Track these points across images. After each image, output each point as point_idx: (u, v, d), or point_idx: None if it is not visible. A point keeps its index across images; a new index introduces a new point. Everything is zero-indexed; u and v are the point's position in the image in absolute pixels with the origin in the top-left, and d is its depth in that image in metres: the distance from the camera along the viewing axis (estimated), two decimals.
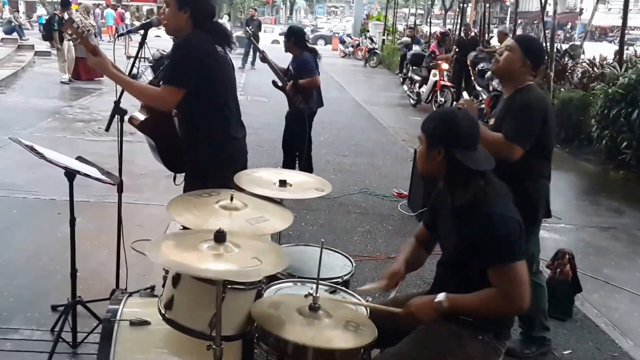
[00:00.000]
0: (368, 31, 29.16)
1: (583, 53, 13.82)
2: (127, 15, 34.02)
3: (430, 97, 13.41)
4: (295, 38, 6.71)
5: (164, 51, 14.77)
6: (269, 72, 6.80)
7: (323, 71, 7.87)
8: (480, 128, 3.26)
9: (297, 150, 6.94)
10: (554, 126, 3.52)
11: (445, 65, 13.45)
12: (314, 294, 2.27)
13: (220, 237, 2.09)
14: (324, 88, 7.14)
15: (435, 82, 13.15)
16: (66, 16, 13.85)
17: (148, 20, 3.67)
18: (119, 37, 3.75)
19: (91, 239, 4.92)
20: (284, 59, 6.93)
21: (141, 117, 3.50)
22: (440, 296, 2.39)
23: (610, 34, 45.29)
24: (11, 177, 6.67)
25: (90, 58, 3.28)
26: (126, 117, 3.53)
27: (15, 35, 23.40)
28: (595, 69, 11.32)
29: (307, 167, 6.67)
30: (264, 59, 6.62)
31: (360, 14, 35.34)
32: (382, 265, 4.98)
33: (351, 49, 29.16)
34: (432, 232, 2.77)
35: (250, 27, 12.80)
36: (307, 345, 2.11)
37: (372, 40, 25.96)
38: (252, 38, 9.26)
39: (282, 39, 7.16)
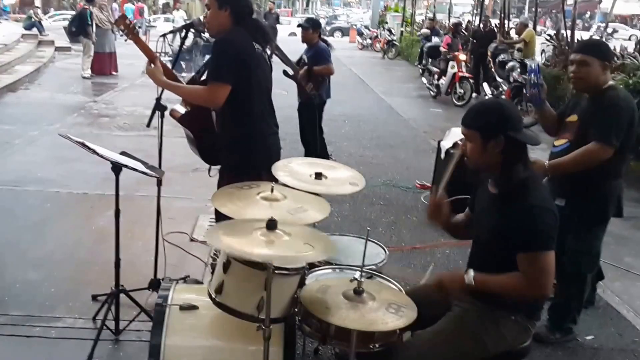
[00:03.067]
0: (386, 23, 29.06)
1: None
2: (145, 9, 34.24)
3: (449, 89, 13.42)
4: (316, 28, 7.02)
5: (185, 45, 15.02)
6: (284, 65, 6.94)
7: (341, 63, 7.99)
8: (554, 163, 3.53)
9: (312, 140, 7.12)
10: (637, 125, 3.58)
11: (462, 56, 13.43)
12: (358, 279, 2.42)
13: (272, 225, 2.24)
14: (343, 80, 7.30)
15: (454, 74, 13.16)
16: (94, 10, 14.03)
17: (190, 21, 3.82)
18: (162, 37, 3.90)
19: (124, 231, 5.02)
20: (296, 53, 7.08)
21: (182, 110, 3.65)
22: (469, 274, 2.54)
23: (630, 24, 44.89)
24: (43, 171, 6.83)
25: (148, 68, 3.47)
26: (167, 112, 3.69)
27: (35, 31, 23.64)
28: (616, 59, 11.29)
29: (323, 157, 6.84)
30: (276, 47, 6.77)
31: (378, 6, 35.24)
32: (408, 255, 5.11)
33: (369, 41, 29.08)
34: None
35: (266, 20, 12.91)
36: (349, 328, 2.25)
37: (390, 32, 25.81)
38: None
39: (299, 30, 7.31)
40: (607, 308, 4.46)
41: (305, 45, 7.19)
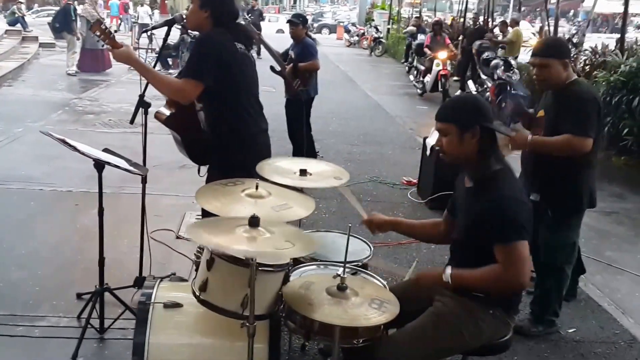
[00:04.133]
0: (373, 20, 29.13)
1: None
2: (131, 5, 33.96)
3: (434, 87, 13.45)
4: (305, 24, 7.06)
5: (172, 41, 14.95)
6: (271, 60, 6.94)
7: (329, 60, 8.01)
8: (539, 139, 3.56)
9: (299, 137, 7.14)
10: (602, 116, 3.73)
11: (443, 54, 13.40)
12: (341, 275, 2.44)
13: (254, 221, 2.24)
14: (330, 77, 7.32)
15: (438, 71, 13.21)
16: (78, 6, 13.93)
17: (172, 17, 3.80)
18: (144, 33, 3.89)
19: (110, 229, 5.02)
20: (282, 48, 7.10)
21: (167, 112, 3.63)
22: (446, 271, 2.58)
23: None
24: (27, 169, 6.78)
25: (115, 52, 3.40)
26: (150, 110, 3.68)
27: (18, 27, 23.44)
28: (598, 57, 11.40)
29: (310, 153, 6.87)
30: (260, 40, 6.81)
31: (365, 3, 35.28)
32: (394, 251, 5.13)
33: (356, 38, 29.14)
34: (453, 217, 2.93)
35: (250, 15, 12.85)
36: (333, 324, 2.27)
37: (377, 29, 25.96)
38: (252, 25, 9.24)
39: (287, 26, 7.34)
40: (588, 301, 4.52)
41: (291, 41, 7.21)
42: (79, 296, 4.00)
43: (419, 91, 14.34)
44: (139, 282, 3.96)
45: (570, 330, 4.08)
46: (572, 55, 12.49)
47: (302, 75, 6.92)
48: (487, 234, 2.50)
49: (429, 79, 13.68)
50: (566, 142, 3.50)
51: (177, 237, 5.13)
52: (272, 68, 6.97)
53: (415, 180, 7.07)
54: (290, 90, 7.01)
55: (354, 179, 7.15)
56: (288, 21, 7.42)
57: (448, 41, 14.25)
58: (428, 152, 6.48)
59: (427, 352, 2.58)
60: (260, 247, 2.19)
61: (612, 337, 4.07)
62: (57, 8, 20.76)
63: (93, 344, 3.54)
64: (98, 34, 3.43)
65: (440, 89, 13.14)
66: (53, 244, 4.93)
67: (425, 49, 14.26)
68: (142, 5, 25.39)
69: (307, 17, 8.26)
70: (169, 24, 3.68)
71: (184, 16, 3.70)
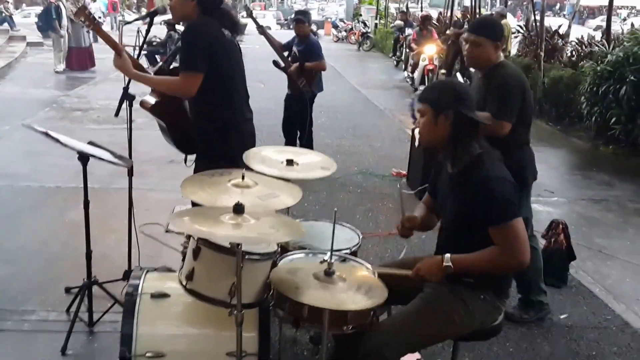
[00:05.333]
0: (361, 15, 29.12)
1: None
2: (117, 3, 33.79)
3: (422, 81, 13.28)
4: (310, 21, 7.03)
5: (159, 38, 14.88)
6: (266, 56, 6.90)
7: None
8: None
9: (297, 133, 7.09)
10: (531, 95, 3.75)
11: (429, 49, 13.19)
12: (328, 261, 2.42)
13: (239, 209, 2.22)
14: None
15: (425, 66, 13.17)
16: (61, 5, 13.88)
17: (154, 9, 3.77)
18: (126, 24, 3.86)
19: (99, 223, 4.98)
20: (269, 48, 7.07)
21: (152, 100, 3.60)
22: (447, 258, 2.55)
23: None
24: (14, 166, 6.77)
25: (116, 60, 3.41)
26: (136, 101, 3.65)
27: (6, 26, 23.29)
28: (584, 47, 11.44)
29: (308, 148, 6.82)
30: (263, 33, 6.75)
31: None
32: (385, 241, 5.13)
33: (344, 34, 29.16)
34: (435, 200, 2.94)
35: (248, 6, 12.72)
36: (322, 308, 2.25)
37: (365, 25, 25.99)
38: (252, 15, 8.61)
39: (272, 22, 7.31)
40: (579, 287, 4.54)
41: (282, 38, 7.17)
42: (68, 290, 3.98)
43: (413, 87, 14.10)
44: (128, 275, 3.93)
45: (562, 317, 4.09)
46: (558, 46, 12.63)
47: (307, 74, 6.84)
48: (480, 218, 2.49)
49: (417, 74, 13.60)
50: (486, 121, 3.45)
51: (167, 231, 5.10)
52: (275, 63, 6.91)
53: (404, 172, 7.08)
54: (294, 87, 6.94)
55: (344, 170, 7.14)
56: (294, 19, 7.34)
57: (435, 36, 14.07)
58: (417, 143, 6.48)
59: (417, 339, 2.57)
60: (245, 233, 2.18)
61: (603, 323, 4.08)
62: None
63: (83, 337, 3.52)
64: (83, 19, 3.42)
65: (426, 84, 12.95)
66: (41, 239, 4.91)
67: (412, 44, 14.15)
68: (94, 0, 25.15)
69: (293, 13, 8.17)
70: (151, 15, 3.65)
71: (167, 7, 3.66)
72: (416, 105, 2.68)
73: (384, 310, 2.87)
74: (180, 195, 5.68)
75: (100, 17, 20.59)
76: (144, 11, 22.77)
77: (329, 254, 2.46)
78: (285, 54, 7.00)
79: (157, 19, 3.94)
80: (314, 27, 35.63)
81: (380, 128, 10.04)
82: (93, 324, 3.60)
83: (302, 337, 3.56)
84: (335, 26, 31.24)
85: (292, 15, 7.49)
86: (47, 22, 14.31)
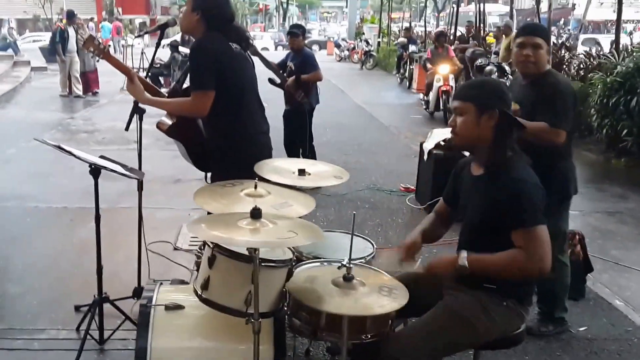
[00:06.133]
0: (363, 34, 29.25)
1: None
2: (121, 28, 34.07)
3: (436, 105, 12.37)
4: (304, 35, 7.05)
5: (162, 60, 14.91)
6: (261, 76, 6.85)
7: None
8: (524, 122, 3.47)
9: (299, 147, 7.06)
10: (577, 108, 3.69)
11: (444, 68, 12.15)
12: (347, 265, 2.36)
13: (256, 214, 2.18)
14: (323, 91, 7.28)
15: (439, 87, 12.16)
16: (69, 29, 13.82)
17: (165, 21, 3.76)
18: (139, 37, 3.85)
19: (107, 242, 4.91)
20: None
21: (169, 121, 3.57)
22: (462, 257, 2.49)
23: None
24: (22, 188, 6.79)
25: (129, 85, 3.40)
26: (144, 118, 3.63)
27: (10, 51, 23.47)
28: (592, 60, 11.41)
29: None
30: (255, 52, 6.70)
31: (355, 18, 35.51)
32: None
33: (347, 53, 29.24)
34: (451, 207, 2.88)
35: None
36: (341, 315, 2.20)
37: (367, 43, 26.00)
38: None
39: (269, 44, 7.35)
40: (597, 300, 4.44)
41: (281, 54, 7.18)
42: (77, 308, 3.93)
43: (427, 112, 12.97)
44: (138, 292, 3.87)
45: (581, 329, 3.99)
46: (565, 59, 12.62)
47: (304, 87, 6.82)
48: (505, 219, 2.43)
49: (432, 96, 12.46)
50: (542, 130, 3.41)
51: (175, 249, 5.08)
52: (270, 80, 6.87)
53: (413, 187, 7.00)
54: (292, 102, 6.90)
55: (351, 187, 7.09)
56: (288, 32, 7.37)
57: (452, 53, 12.87)
58: (425, 157, 6.43)
59: (438, 347, 2.49)
60: (264, 238, 2.13)
61: (624, 335, 3.99)
62: (48, 33, 20.77)
63: (93, 355, 3.47)
64: (92, 49, 3.41)
65: (441, 107, 12.12)
66: (49, 258, 4.88)
67: (427, 63, 12.81)
68: (131, 31, 25.37)
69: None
70: (162, 27, 3.64)
71: (177, 20, 3.65)
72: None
73: (400, 322, 2.79)
74: (187, 213, 5.75)
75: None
76: (146, 37, 22.88)
77: (347, 258, 2.39)
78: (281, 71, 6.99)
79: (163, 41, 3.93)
80: (316, 47, 35.90)
81: (386, 144, 10.00)
82: (104, 341, 3.55)
83: (315, 352, 3.50)
84: (338, 45, 31.35)
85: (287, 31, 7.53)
86: (52, 47, 14.34)
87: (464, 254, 2.50)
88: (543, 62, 3.53)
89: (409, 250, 2.80)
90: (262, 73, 6.93)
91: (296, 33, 7.03)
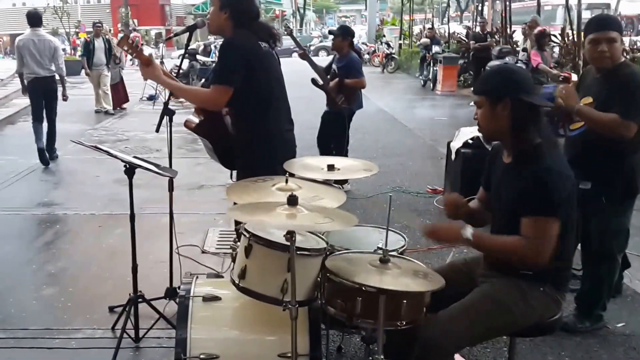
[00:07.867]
0: (384, 36, 28.93)
1: None
2: (140, 39, 34.42)
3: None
4: (346, 36, 6.90)
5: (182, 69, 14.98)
6: (307, 69, 6.85)
7: None
8: (588, 109, 3.40)
9: (333, 150, 7.01)
10: None
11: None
12: (383, 248, 2.40)
13: (293, 200, 2.22)
14: None
15: None
16: (96, 41, 13.35)
17: (194, 22, 3.81)
18: (167, 40, 3.91)
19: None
20: (292, 73, 6.99)
21: (196, 120, 3.61)
22: (468, 230, 2.50)
23: None
24: (49, 196, 6.95)
25: (144, 69, 3.44)
26: (174, 117, 3.67)
27: None
28: (625, 54, 11.21)
29: None
30: (304, 55, 6.73)
31: (374, 21, 35.32)
32: (424, 256, 5.03)
33: (367, 57, 29.10)
34: (489, 193, 2.85)
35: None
36: (377, 299, 2.22)
37: (388, 45, 25.58)
38: (292, 34, 8.02)
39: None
40: (635, 296, 4.38)
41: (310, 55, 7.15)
42: (111, 309, 4.00)
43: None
44: (170, 292, 3.90)
45: (618, 325, 3.94)
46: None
47: (346, 92, 6.77)
48: (524, 206, 2.42)
49: None
50: (612, 122, 3.36)
51: (203, 252, 5.13)
52: (313, 81, 6.84)
53: (440, 189, 6.97)
54: (333, 104, 6.86)
55: (376, 189, 7.08)
56: (329, 32, 7.38)
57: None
58: (453, 156, 6.39)
59: (476, 331, 2.49)
60: (300, 222, 2.18)
61: None
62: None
63: (129, 353, 3.54)
64: (126, 48, 3.48)
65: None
66: (81, 263, 4.96)
67: (542, 67, 9.95)
68: (147, 42, 25.58)
69: (315, 39, 8.06)
70: (191, 29, 3.67)
71: (205, 21, 3.69)
72: (474, 97, 2.63)
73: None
74: (212, 218, 5.77)
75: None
76: (162, 46, 22.83)
77: (382, 241, 2.43)
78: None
79: (176, 52, 3.97)
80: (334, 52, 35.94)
81: (411, 147, 9.96)
82: (139, 339, 3.61)
83: (347, 350, 3.53)
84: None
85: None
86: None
87: (469, 228, 2.51)
88: (618, 55, 3.47)
89: (452, 205, 2.83)
90: (307, 73, 6.94)
91: (336, 33, 6.96)
